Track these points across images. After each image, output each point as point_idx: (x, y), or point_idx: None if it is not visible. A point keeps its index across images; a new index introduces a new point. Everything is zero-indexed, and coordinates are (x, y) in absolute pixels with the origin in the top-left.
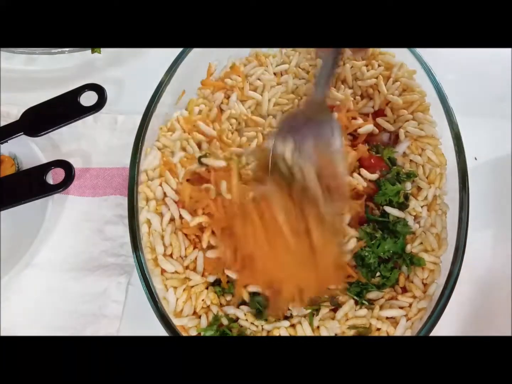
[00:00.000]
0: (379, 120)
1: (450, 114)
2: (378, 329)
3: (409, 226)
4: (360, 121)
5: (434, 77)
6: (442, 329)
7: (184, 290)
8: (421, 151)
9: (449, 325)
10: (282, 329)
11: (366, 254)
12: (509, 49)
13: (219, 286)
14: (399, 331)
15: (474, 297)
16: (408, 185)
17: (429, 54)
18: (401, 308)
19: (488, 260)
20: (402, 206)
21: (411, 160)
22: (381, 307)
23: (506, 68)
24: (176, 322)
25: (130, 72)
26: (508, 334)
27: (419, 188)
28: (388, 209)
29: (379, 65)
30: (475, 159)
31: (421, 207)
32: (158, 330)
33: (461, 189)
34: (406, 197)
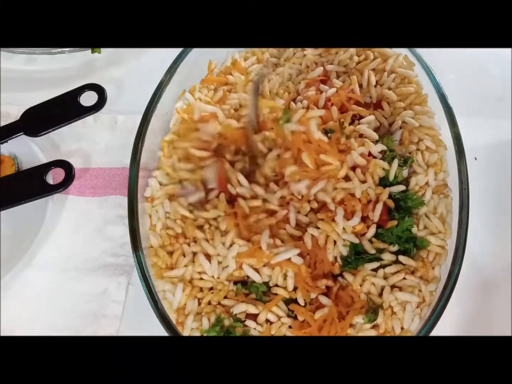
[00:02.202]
0: (376, 113)
1: (450, 114)
2: (388, 308)
3: (418, 197)
4: (360, 108)
5: (434, 77)
6: (442, 329)
7: (192, 289)
8: (418, 139)
9: (449, 325)
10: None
11: (382, 232)
12: (509, 49)
13: (243, 284)
14: (407, 316)
15: (474, 297)
16: (405, 171)
17: (429, 54)
18: (411, 289)
19: (488, 260)
20: (404, 184)
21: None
22: (393, 286)
23: (506, 68)
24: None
25: (130, 72)
26: (508, 334)
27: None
28: (390, 189)
29: (374, 58)
30: (475, 159)
31: (425, 190)
32: (158, 330)
33: (461, 189)
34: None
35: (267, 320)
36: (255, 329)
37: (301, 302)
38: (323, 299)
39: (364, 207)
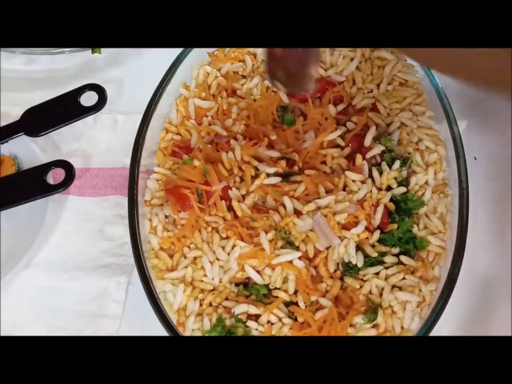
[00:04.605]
0: (371, 114)
1: (450, 114)
2: (388, 308)
3: (418, 198)
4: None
5: (434, 77)
6: (442, 329)
7: (192, 290)
8: (417, 139)
9: (449, 325)
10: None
11: (384, 237)
12: (509, 49)
13: (244, 286)
14: (407, 315)
15: (474, 297)
16: (404, 172)
17: None
18: (411, 288)
19: (488, 260)
20: (404, 184)
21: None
22: (393, 286)
23: None
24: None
25: (130, 72)
26: (508, 334)
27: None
28: (392, 191)
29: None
30: (475, 159)
31: (425, 189)
32: (158, 330)
33: (460, 189)
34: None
35: (268, 321)
36: (256, 329)
37: (302, 305)
38: (323, 301)
39: (367, 216)
